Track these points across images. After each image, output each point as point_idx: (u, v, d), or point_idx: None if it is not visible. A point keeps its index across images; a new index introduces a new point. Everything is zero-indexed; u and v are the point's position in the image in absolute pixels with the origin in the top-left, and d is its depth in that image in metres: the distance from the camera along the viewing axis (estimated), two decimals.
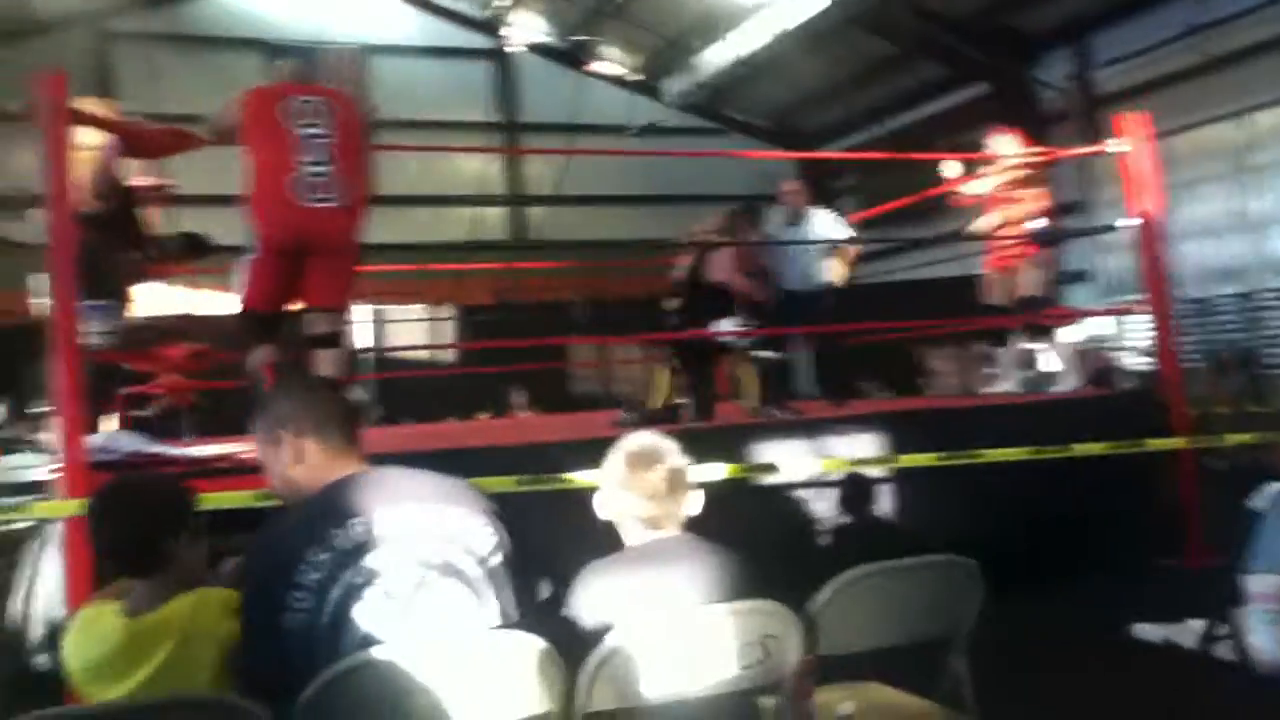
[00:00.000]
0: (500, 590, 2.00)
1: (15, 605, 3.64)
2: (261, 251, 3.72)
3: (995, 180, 6.21)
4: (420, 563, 1.93)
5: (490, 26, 17.97)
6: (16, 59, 14.08)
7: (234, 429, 6.74)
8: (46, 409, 10.43)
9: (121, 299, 4.83)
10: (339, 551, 1.89)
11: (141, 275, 4.92)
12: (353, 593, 1.88)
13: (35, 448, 10.68)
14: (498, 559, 2.02)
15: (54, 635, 3.31)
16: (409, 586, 1.92)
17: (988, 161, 6.28)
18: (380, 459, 2.19)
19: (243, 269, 3.79)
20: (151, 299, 5.51)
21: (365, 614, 1.87)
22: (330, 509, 1.96)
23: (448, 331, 14.34)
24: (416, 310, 13.78)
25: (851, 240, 6.42)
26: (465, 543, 1.99)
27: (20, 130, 14.70)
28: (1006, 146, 6.29)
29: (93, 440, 3.37)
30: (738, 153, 17.40)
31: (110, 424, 4.67)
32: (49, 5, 15.12)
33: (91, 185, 4.74)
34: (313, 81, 4.27)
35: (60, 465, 3.20)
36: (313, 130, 3.79)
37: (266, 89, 4.02)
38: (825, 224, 6.39)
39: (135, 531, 2.14)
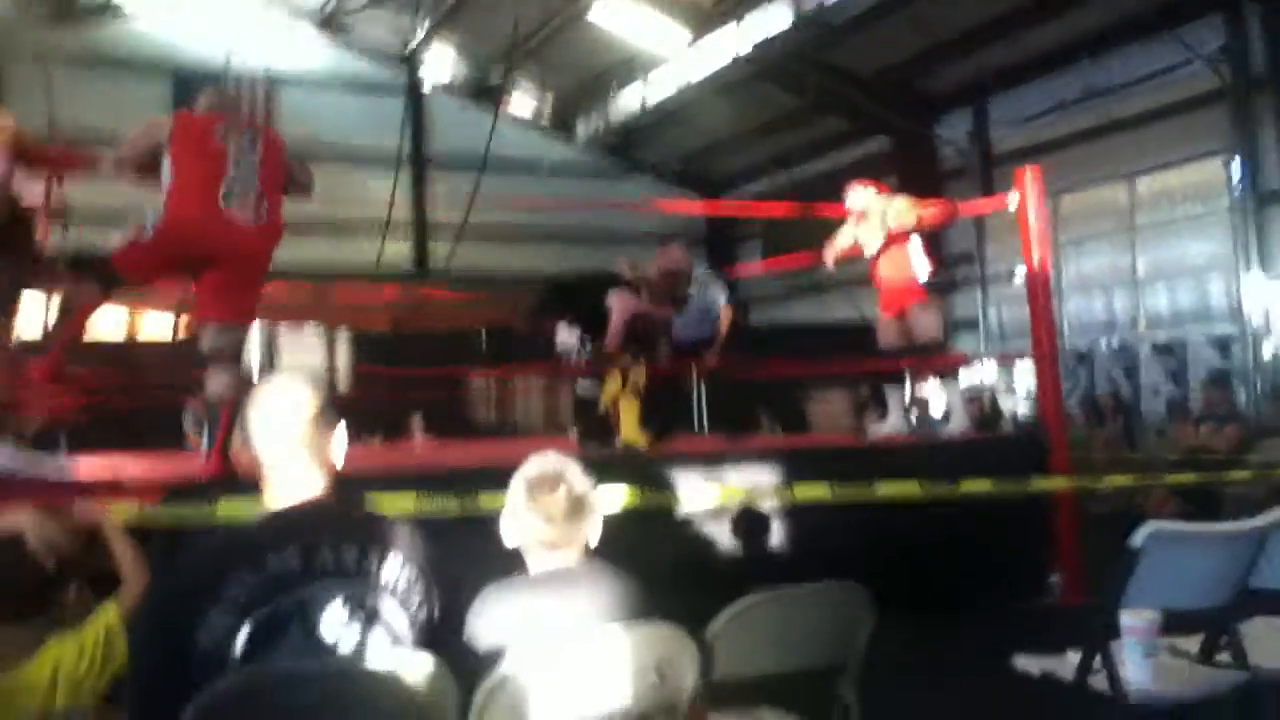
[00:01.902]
0: (421, 645, 1.94)
1: None
2: (159, 242, 3.65)
3: (874, 230, 6.38)
4: (348, 604, 1.89)
5: (405, 62, 17.93)
6: None
7: (120, 444, 6.55)
8: None
9: (7, 312, 4.67)
10: (270, 576, 1.83)
11: (26, 287, 4.75)
12: (275, 622, 1.82)
13: None
14: (423, 614, 1.97)
15: None
16: (332, 626, 1.87)
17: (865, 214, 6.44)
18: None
19: (130, 236, 3.70)
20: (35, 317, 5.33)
21: (282, 646, 1.82)
22: (271, 533, 1.91)
23: (342, 356, 14.13)
24: (310, 331, 13.54)
25: (729, 301, 6.77)
26: (396, 591, 1.94)
27: None
28: (865, 200, 6.48)
29: None
30: (638, 205, 17.64)
31: None
32: None
33: None
34: (236, 112, 4.29)
35: None
36: (239, 154, 3.79)
37: (195, 114, 4.03)
38: (707, 287, 6.73)
39: (19, 582, 2.09)
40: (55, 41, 13.59)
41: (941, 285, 6.47)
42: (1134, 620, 2.71)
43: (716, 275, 6.91)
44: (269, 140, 3.99)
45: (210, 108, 4.12)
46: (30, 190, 4.79)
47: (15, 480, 3.34)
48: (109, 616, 2.10)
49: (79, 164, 4.16)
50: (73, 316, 3.70)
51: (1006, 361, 13.31)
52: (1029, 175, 5.58)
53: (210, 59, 15.34)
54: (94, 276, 3.71)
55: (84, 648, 2.04)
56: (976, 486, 4.18)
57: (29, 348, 4.34)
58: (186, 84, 15.43)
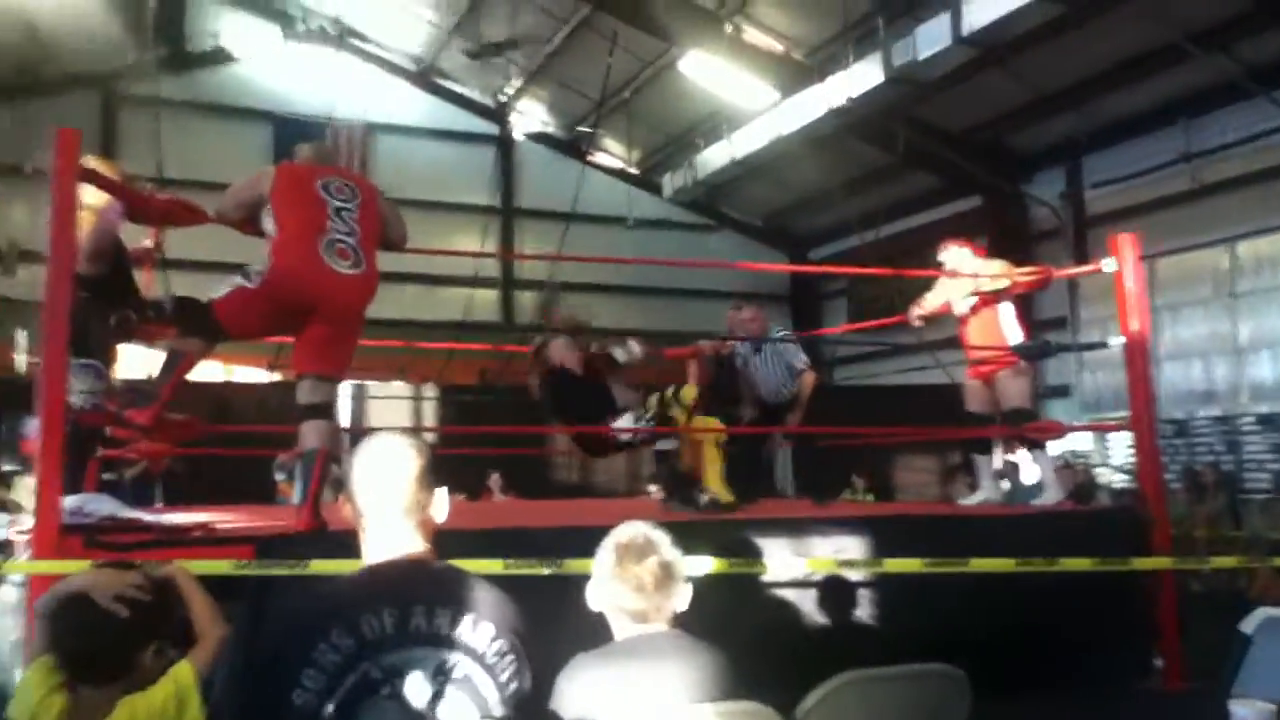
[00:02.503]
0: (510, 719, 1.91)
1: None
2: (264, 292, 3.71)
3: (965, 291, 6.28)
4: (442, 672, 1.87)
5: (496, 113, 18.33)
6: (25, 117, 14.24)
7: (211, 496, 6.70)
8: (14, 468, 10.32)
9: (108, 360, 4.81)
10: (365, 640, 1.83)
11: (130, 337, 4.89)
12: (367, 687, 1.81)
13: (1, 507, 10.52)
14: (513, 687, 1.93)
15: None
16: (424, 693, 1.85)
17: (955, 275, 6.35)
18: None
19: (232, 286, 3.77)
20: (139, 361, 5.50)
21: (373, 710, 1.81)
22: (365, 594, 1.90)
23: (429, 411, 14.28)
24: (398, 388, 13.74)
25: (807, 365, 6.77)
26: (492, 665, 1.92)
27: (16, 187, 14.85)
28: (959, 260, 6.38)
29: (67, 502, 3.30)
30: (723, 264, 17.68)
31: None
32: (65, 65, 15.34)
33: (90, 245, 4.75)
34: (336, 163, 4.39)
35: (32, 526, 3.13)
36: (341, 204, 3.87)
37: (297, 165, 4.12)
38: (784, 350, 6.80)
39: (104, 646, 2.09)
40: (165, 89, 14.13)
41: (1032, 350, 6.29)
42: (1245, 710, 2.59)
43: (791, 338, 6.86)
44: (366, 191, 4.06)
45: (311, 159, 4.21)
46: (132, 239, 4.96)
47: (113, 527, 3.40)
48: (182, 675, 2.10)
49: (184, 214, 4.27)
50: (176, 367, 3.78)
51: (1103, 430, 12.96)
52: (1126, 241, 5.46)
53: (310, 106, 15.87)
54: (197, 327, 3.79)
55: (153, 709, 2.03)
56: (1075, 565, 4.04)
57: (130, 396, 4.46)
58: (286, 130, 16.00)
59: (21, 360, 11.94)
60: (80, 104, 15.17)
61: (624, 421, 5.43)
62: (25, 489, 8.93)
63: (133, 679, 2.09)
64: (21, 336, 12.04)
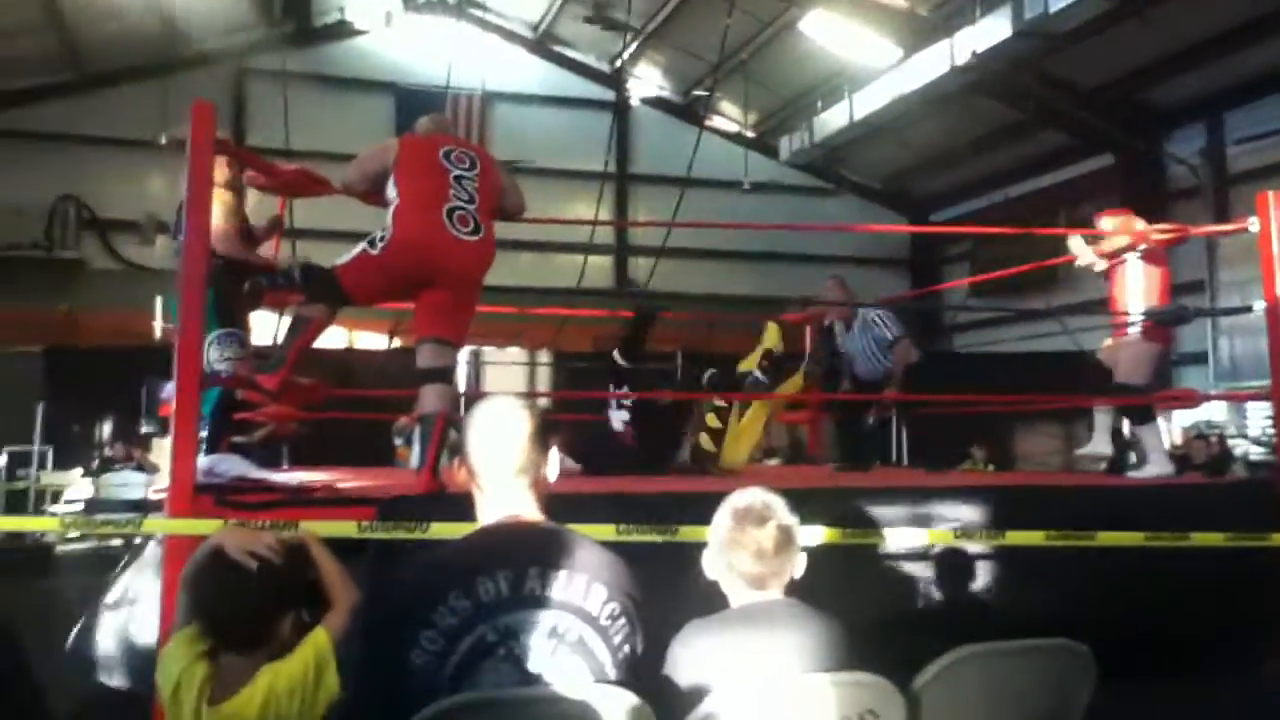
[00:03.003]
0: (621, 681, 1.93)
1: (101, 623, 3.72)
2: (387, 259, 3.78)
3: (1108, 252, 6.03)
4: (556, 634, 1.90)
5: (612, 79, 18.33)
6: (160, 95, 14.85)
7: (332, 459, 6.91)
8: (152, 429, 10.82)
9: (243, 327, 4.99)
10: (481, 603, 1.87)
11: (260, 304, 5.06)
12: (483, 648, 1.86)
13: (138, 467, 11.07)
14: (626, 649, 1.96)
15: (137, 658, 3.37)
16: (539, 655, 1.88)
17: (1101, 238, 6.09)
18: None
19: (357, 254, 3.85)
20: (269, 328, 5.68)
21: (490, 672, 1.85)
22: (481, 556, 1.94)
23: (543, 376, 14.47)
24: (513, 353, 13.95)
25: (899, 336, 6.63)
26: (605, 627, 1.94)
27: (154, 160, 15.48)
28: (1111, 225, 6.12)
29: (200, 462, 3.43)
30: (842, 227, 17.39)
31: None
32: (197, 43, 15.90)
33: (225, 216, 4.94)
34: (455, 133, 4.45)
35: (167, 486, 3.26)
36: (461, 172, 3.94)
37: (420, 137, 4.18)
38: (872, 325, 6.72)
39: (251, 613, 2.14)
40: (291, 63, 14.52)
41: (1167, 316, 6.02)
42: None
43: (886, 313, 6.72)
44: (485, 160, 4.11)
45: (432, 130, 4.28)
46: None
47: (243, 488, 3.53)
48: (319, 643, 2.14)
49: (310, 185, 4.38)
50: (302, 334, 3.89)
51: (1240, 400, 12.38)
52: (1272, 199, 5.16)
53: (430, 76, 16.11)
54: (322, 294, 3.88)
55: (293, 677, 2.08)
56: (1208, 539, 3.86)
57: (258, 362, 4.61)
58: (408, 101, 16.31)
59: (159, 328, 12.50)
60: (212, 80, 15.70)
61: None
62: (163, 450, 9.38)
63: (274, 646, 2.14)
64: (158, 304, 12.60)
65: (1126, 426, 6.26)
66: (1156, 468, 5.82)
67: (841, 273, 7.70)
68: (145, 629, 3.31)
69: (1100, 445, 6.17)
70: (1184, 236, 5.97)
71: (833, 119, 15.86)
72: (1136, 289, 5.92)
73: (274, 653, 2.13)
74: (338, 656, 2.16)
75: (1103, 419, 6.30)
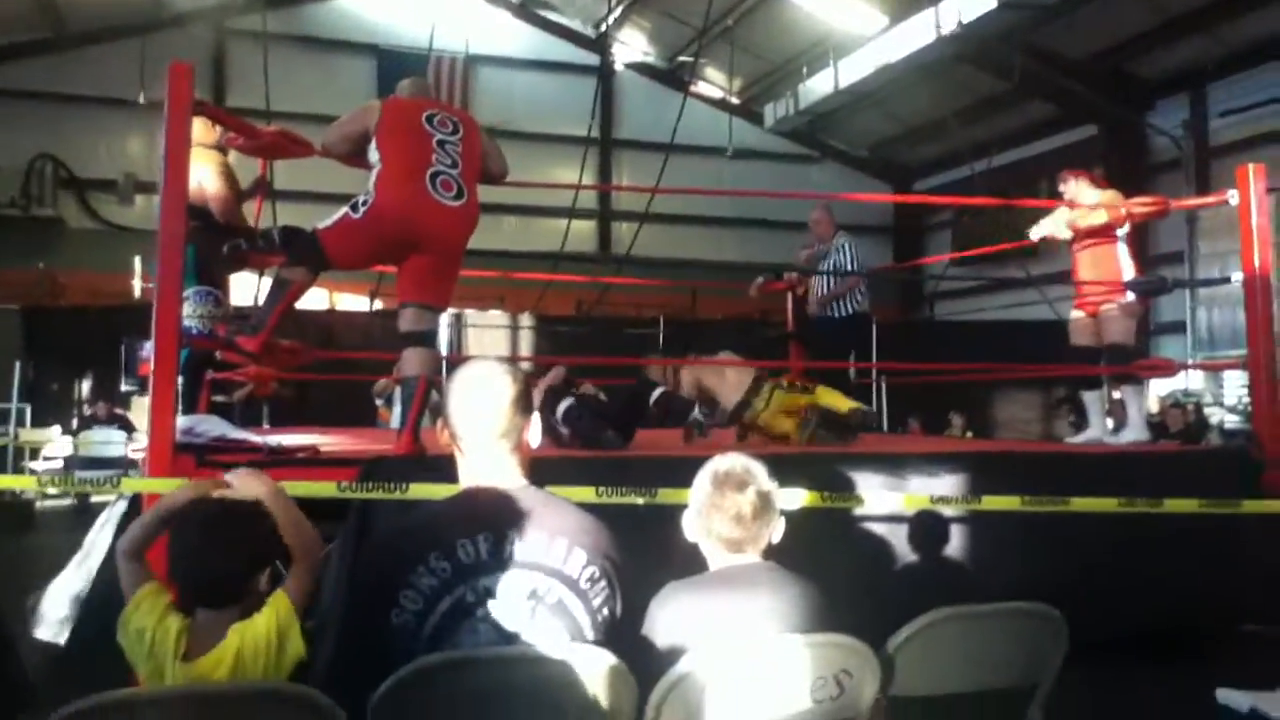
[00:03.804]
0: (600, 642, 1.95)
1: (71, 578, 3.73)
2: (370, 224, 3.76)
3: (1074, 222, 6.07)
4: (535, 596, 1.92)
5: (596, 44, 18.19)
6: (139, 55, 14.65)
7: (313, 419, 6.91)
8: (132, 388, 10.80)
9: (221, 287, 4.97)
10: (460, 564, 1.89)
11: (241, 266, 5.04)
12: (462, 609, 1.88)
13: (118, 425, 11.05)
14: (605, 612, 1.99)
15: (105, 612, 3.38)
16: (518, 617, 1.90)
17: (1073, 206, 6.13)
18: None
19: (340, 218, 3.82)
20: (248, 289, 5.66)
21: (468, 633, 1.87)
22: (461, 518, 1.95)
23: (526, 340, 14.48)
24: (496, 316, 13.93)
25: (853, 273, 6.75)
26: (584, 590, 1.96)
27: (132, 120, 15.29)
28: (1080, 191, 6.16)
29: (180, 422, 3.43)
30: (825, 195, 17.31)
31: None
32: (181, 1, 15.66)
33: (222, 181, 4.92)
34: (438, 97, 4.40)
35: (146, 444, 3.25)
36: (444, 137, 3.90)
37: (404, 100, 4.13)
38: (839, 255, 6.86)
39: (227, 569, 2.12)
40: (272, 23, 14.34)
41: (1147, 286, 6.06)
42: None
43: (854, 248, 6.91)
44: (468, 124, 4.08)
45: (414, 93, 4.24)
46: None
47: (221, 448, 3.52)
48: (279, 609, 2.10)
49: (291, 147, 4.34)
50: (283, 295, 3.87)
51: (1216, 369, 12.48)
52: (1251, 172, 5.19)
53: (412, 38, 15.95)
54: (303, 257, 3.86)
55: (258, 640, 2.06)
56: (1181, 506, 3.91)
57: (238, 322, 4.59)
58: (389, 63, 16.15)
59: (138, 286, 12.42)
60: (191, 41, 15.51)
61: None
62: (142, 409, 9.35)
63: (249, 602, 2.13)
64: (137, 264, 12.51)
65: (1116, 393, 6.29)
66: (1134, 433, 5.89)
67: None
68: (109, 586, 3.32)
69: (1097, 430, 6.19)
70: (1165, 210, 6.00)
71: (818, 86, 15.80)
72: (1124, 258, 5.96)
73: (248, 608, 2.11)
74: (306, 617, 2.16)
75: (1093, 400, 6.34)
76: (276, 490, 2.29)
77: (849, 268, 6.69)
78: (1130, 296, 5.92)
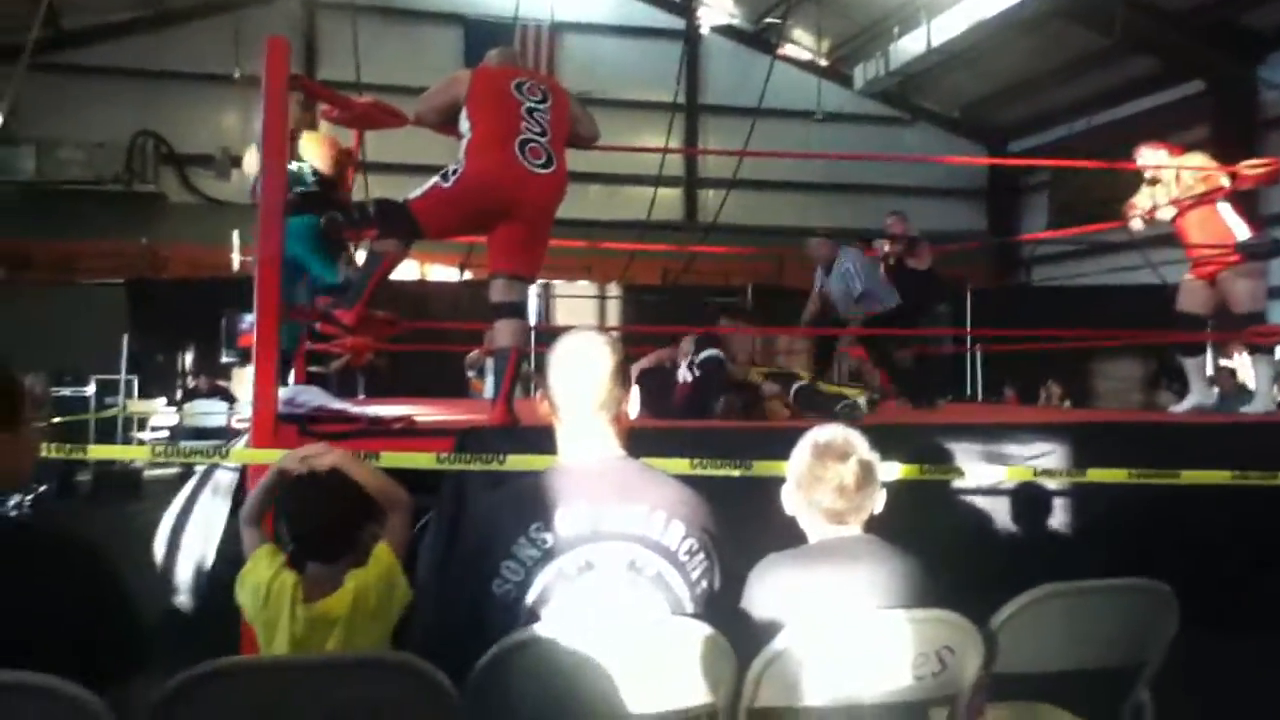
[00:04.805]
0: (699, 615, 1.94)
1: (165, 546, 3.84)
2: (460, 192, 3.78)
3: (1167, 194, 5.86)
4: (634, 568, 1.92)
5: (682, 7, 18.01)
6: (231, 30, 14.95)
7: (406, 390, 7.01)
8: (233, 359, 11.10)
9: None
10: (560, 536, 1.90)
11: (337, 238, 5.12)
12: (562, 580, 1.89)
13: (219, 396, 11.39)
14: (704, 585, 1.98)
15: (206, 579, 3.47)
16: (617, 588, 1.91)
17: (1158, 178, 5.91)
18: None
19: (430, 187, 3.85)
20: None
21: (568, 603, 1.88)
22: (562, 490, 1.96)
23: (613, 310, 14.50)
24: (583, 287, 13.96)
25: (863, 296, 6.60)
26: (683, 562, 1.96)
27: (227, 95, 15.61)
28: (1154, 161, 5.93)
29: (281, 393, 3.50)
30: (917, 158, 17.01)
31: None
32: None
33: (331, 158, 5.02)
34: (525, 65, 4.40)
35: (249, 415, 3.33)
36: (533, 104, 3.91)
37: (493, 69, 4.14)
38: (848, 277, 6.73)
39: (336, 524, 2.23)
40: None
41: (1260, 248, 5.80)
42: None
43: (859, 266, 6.72)
44: (557, 92, 4.08)
45: (503, 62, 4.25)
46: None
47: (322, 418, 3.60)
48: (384, 556, 2.21)
49: (384, 117, 4.39)
50: (377, 268, 3.92)
51: None
52: None
53: (499, 7, 15.96)
54: (396, 227, 3.90)
55: (372, 582, 2.17)
56: None
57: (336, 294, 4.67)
58: (476, 32, 16.20)
59: (236, 259, 12.73)
60: (281, 15, 15.76)
61: None
62: (242, 380, 9.62)
63: (357, 554, 2.23)
64: (235, 237, 12.81)
65: (1233, 362, 6.08)
66: (1261, 403, 5.69)
67: (918, 204, 7.57)
68: (209, 553, 3.41)
69: (1199, 397, 5.97)
70: (1277, 173, 5.73)
71: (909, 46, 15.42)
72: (1233, 219, 5.73)
73: (358, 560, 2.22)
74: (407, 566, 2.22)
75: (1195, 367, 6.11)
76: (347, 455, 2.35)
77: (858, 284, 6.57)
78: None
